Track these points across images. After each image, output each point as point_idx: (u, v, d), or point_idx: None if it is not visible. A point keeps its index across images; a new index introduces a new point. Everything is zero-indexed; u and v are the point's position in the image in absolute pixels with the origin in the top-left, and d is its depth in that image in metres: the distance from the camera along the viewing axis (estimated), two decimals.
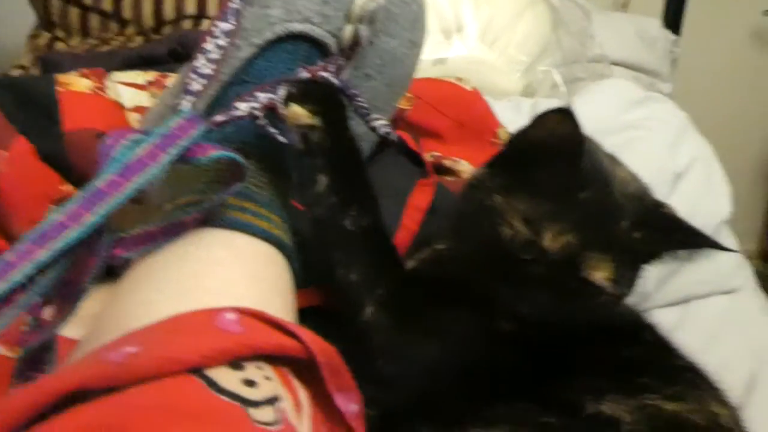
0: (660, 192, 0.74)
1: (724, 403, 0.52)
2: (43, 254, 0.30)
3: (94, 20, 1.61)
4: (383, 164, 0.70)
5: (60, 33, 1.63)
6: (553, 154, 0.49)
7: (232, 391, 0.33)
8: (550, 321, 0.49)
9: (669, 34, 1.68)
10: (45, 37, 1.62)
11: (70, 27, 1.62)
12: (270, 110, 0.45)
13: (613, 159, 0.56)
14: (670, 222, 0.53)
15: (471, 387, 0.51)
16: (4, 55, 1.99)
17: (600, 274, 0.49)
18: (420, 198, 0.66)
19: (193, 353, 0.33)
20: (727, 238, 0.84)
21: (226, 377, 0.34)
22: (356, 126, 0.68)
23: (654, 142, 0.81)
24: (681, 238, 0.52)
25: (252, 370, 0.35)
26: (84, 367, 0.32)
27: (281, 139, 0.46)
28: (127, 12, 1.59)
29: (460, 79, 0.83)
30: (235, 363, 0.35)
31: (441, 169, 0.75)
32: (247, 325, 0.36)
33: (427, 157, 0.74)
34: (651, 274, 0.75)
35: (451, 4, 1.11)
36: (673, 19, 1.88)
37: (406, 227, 0.63)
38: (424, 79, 0.83)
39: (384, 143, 0.72)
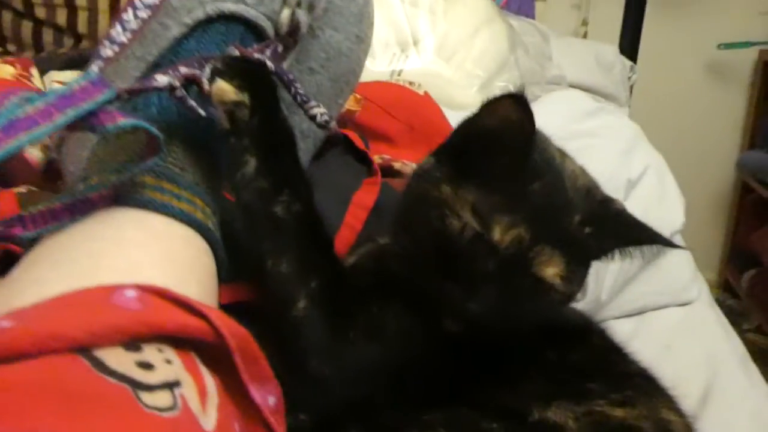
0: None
1: (676, 410, 0.49)
2: None
3: (48, 35, 1.56)
4: (328, 163, 0.68)
5: (12, 47, 1.58)
6: (504, 143, 0.45)
7: (121, 372, 0.29)
8: (497, 321, 0.46)
9: (626, 61, 1.70)
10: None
11: (23, 41, 1.57)
12: (191, 82, 0.42)
13: (563, 153, 0.53)
14: (620, 218, 0.50)
15: (409, 391, 0.48)
16: None
17: (551, 271, 0.46)
18: (365, 197, 0.63)
19: (77, 329, 0.29)
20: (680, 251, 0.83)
21: (118, 358, 0.30)
22: (299, 122, 0.65)
23: (606, 150, 0.80)
24: (632, 234, 0.49)
25: (150, 352, 0.31)
26: None
27: (201, 112, 0.43)
28: (81, 26, 1.55)
29: (411, 83, 0.81)
30: (132, 344, 0.31)
31: (390, 172, 0.72)
32: (148, 302, 0.32)
33: (377, 159, 0.71)
34: (604, 283, 0.74)
35: (408, 17, 1.10)
36: (629, 46, 1.92)
37: (350, 225, 0.60)
38: (374, 82, 0.81)
39: (329, 142, 0.70)
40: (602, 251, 0.50)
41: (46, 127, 0.32)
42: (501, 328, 0.46)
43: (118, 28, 0.44)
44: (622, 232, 0.49)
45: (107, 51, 0.42)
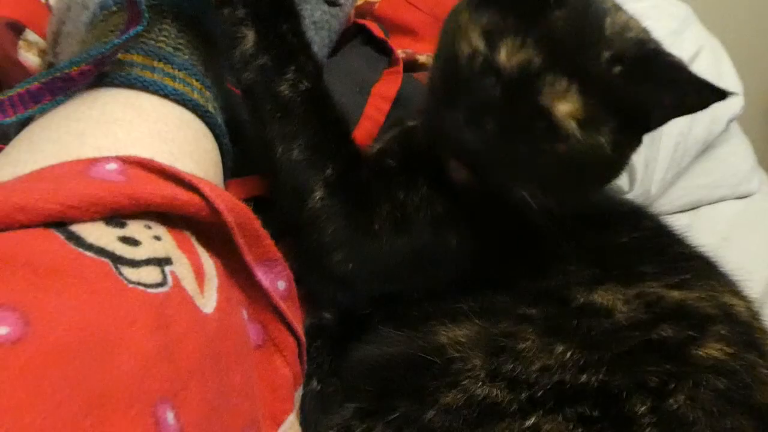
0: None
1: (739, 294, 0.44)
2: None
3: None
4: (346, 55, 0.62)
5: None
6: None
7: (101, 246, 0.25)
8: (499, 160, 0.39)
9: None
10: None
11: None
12: None
13: (617, 6, 0.45)
14: (669, 69, 0.40)
15: (440, 280, 0.44)
16: None
17: (563, 107, 0.38)
18: (386, 87, 0.58)
19: (47, 201, 0.25)
20: (738, 138, 0.76)
21: (97, 233, 0.26)
22: (310, 12, 0.59)
23: (657, 31, 0.71)
24: (678, 88, 0.39)
25: (136, 228, 0.27)
26: None
27: None
28: None
29: None
30: (114, 219, 0.27)
31: (415, 67, 0.66)
32: (132, 174, 0.29)
33: (400, 53, 0.65)
34: (654, 175, 0.68)
35: None
36: None
37: (371, 117, 0.55)
38: None
39: (345, 34, 0.64)
40: (637, 100, 0.40)
41: None
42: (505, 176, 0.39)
43: None
44: (660, 75, 0.40)
45: None
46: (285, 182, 0.42)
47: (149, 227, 0.28)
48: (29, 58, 0.55)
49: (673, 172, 0.68)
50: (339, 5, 0.49)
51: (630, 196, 0.64)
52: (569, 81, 0.37)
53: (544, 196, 0.39)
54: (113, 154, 0.32)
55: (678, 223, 0.67)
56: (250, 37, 0.40)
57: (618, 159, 0.42)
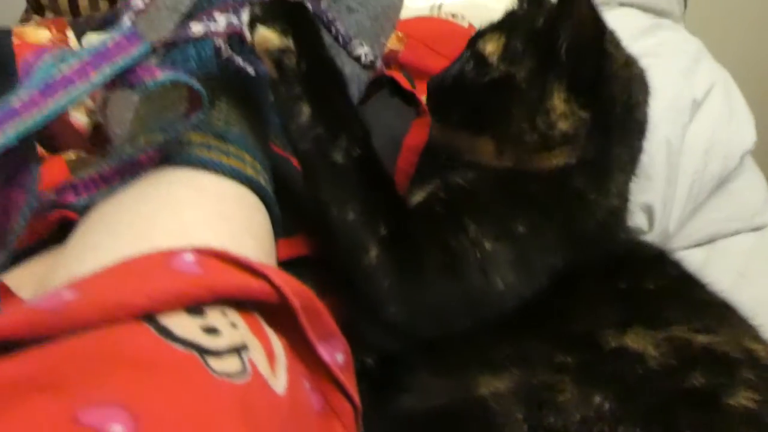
0: (679, 121, 0.69)
1: (758, 339, 0.46)
2: None
3: (83, 0, 1.56)
4: (375, 107, 0.65)
5: (50, 15, 1.59)
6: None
7: (187, 338, 0.28)
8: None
9: None
10: (35, 20, 1.58)
11: (60, 8, 1.57)
12: (233, 36, 0.40)
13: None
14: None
15: (482, 323, 0.46)
16: None
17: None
18: (415, 139, 0.60)
19: (140, 296, 0.28)
20: (751, 171, 0.78)
21: (182, 324, 0.29)
22: (341, 66, 0.62)
23: (668, 70, 0.74)
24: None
25: (214, 316, 0.30)
26: (11, 315, 0.27)
27: (249, 70, 0.41)
28: None
29: (454, 16, 0.77)
30: (195, 308, 0.30)
31: None
32: (208, 265, 0.31)
33: (424, 99, 0.68)
34: (672, 214, 0.70)
35: None
36: None
37: (403, 170, 0.58)
38: (416, 18, 0.77)
39: (374, 84, 0.67)
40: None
41: (83, 87, 0.31)
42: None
43: None
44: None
45: (137, 2, 0.40)
46: (340, 242, 0.45)
47: (225, 314, 0.31)
48: (78, 117, 0.59)
49: (690, 208, 0.71)
50: (374, 68, 0.51)
51: (650, 235, 0.66)
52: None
53: None
54: (181, 236, 0.35)
55: (694, 258, 0.70)
56: (305, 111, 0.43)
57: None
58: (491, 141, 0.49)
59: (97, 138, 0.57)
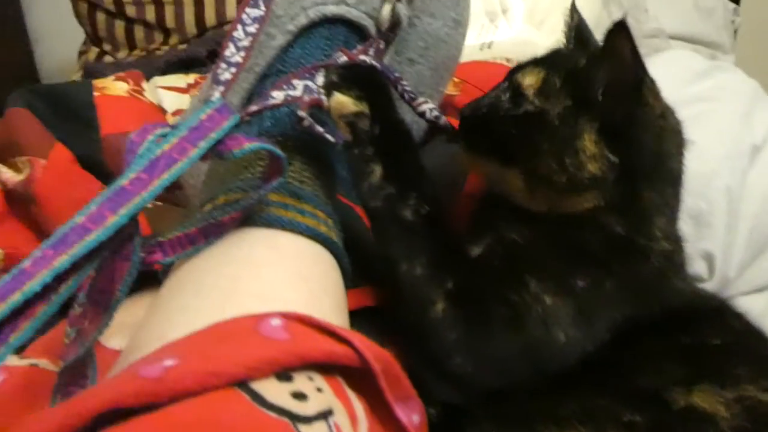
0: (738, 167, 0.69)
1: None
2: (62, 261, 0.28)
3: (139, 32, 1.63)
4: (433, 154, 0.66)
5: (107, 47, 1.67)
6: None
7: (280, 406, 0.30)
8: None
9: (728, 3, 1.58)
10: (94, 51, 1.65)
11: (117, 40, 1.65)
12: (314, 106, 0.42)
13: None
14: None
15: (544, 375, 0.47)
16: (56, 71, 2.05)
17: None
18: (473, 186, 0.62)
19: (236, 365, 0.30)
20: None
21: (274, 390, 0.30)
22: (403, 114, 0.64)
23: (725, 114, 0.74)
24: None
25: (302, 382, 0.32)
26: (119, 384, 0.29)
27: (330, 138, 0.43)
28: (169, 21, 1.60)
29: (509, 60, 0.78)
30: (283, 374, 0.31)
31: None
32: (294, 331, 0.33)
33: None
34: (732, 259, 0.70)
35: None
36: None
37: (460, 216, 0.59)
38: (471, 62, 0.78)
39: (433, 131, 0.68)
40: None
41: (183, 164, 0.33)
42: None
43: (231, 47, 0.44)
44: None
45: (225, 74, 0.42)
46: (408, 295, 0.46)
47: (311, 378, 0.32)
48: None
49: (750, 254, 0.70)
50: (438, 123, 0.53)
51: (709, 283, 0.66)
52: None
53: None
54: (264, 298, 0.37)
55: (755, 304, 0.69)
56: (377, 171, 0.45)
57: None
58: (520, 176, 0.50)
59: (171, 185, 0.60)
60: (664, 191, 0.51)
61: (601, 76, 0.47)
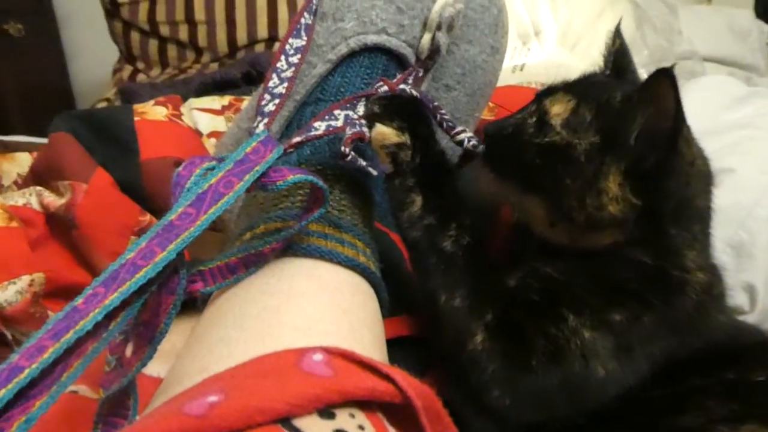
0: None
1: None
2: (113, 299, 0.28)
3: (172, 50, 1.67)
4: (468, 179, 0.66)
5: (141, 65, 1.70)
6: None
7: None
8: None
9: (763, 25, 1.56)
10: (127, 70, 1.69)
11: (150, 59, 1.69)
12: (358, 140, 0.42)
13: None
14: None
15: (583, 409, 0.46)
16: (91, 89, 2.10)
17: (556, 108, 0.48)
18: (508, 214, 0.61)
19: (279, 402, 0.29)
20: None
21: (316, 428, 0.30)
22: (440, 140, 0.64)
23: (766, 141, 0.73)
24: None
25: (344, 419, 0.31)
26: (162, 420, 0.29)
27: (372, 172, 0.43)
28: (202, 40, 1.64)
29: (543, 85, 0.78)
30: (325, 411, 0.31)
31: None
32: (337, 367, 0.33)
33: None
34: None
35: (528, 8, 1.06)
36: (765, 9, 1.75)
37: (498, 247, 0.58)
38: (506, 87, 0.78)
39: (467, 156, 0.68)
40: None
41: (229, 198, 0.33)
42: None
43: (275, 78, 0.44)
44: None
45: (269, 106, 0.43)
46: (446, 327, 0.46)
47: (353, 416, 0.32)
48: None
49: None
50: (476, 152, 0.53)
51: (750, 315, 0.64)
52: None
53: None
54: (306, 331, 0.37)
55: None
56: (417, 201, 0.45)
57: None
58: (541, 205, 0.49)
59: None
60: (691, 228, 0.49)
61: (639, 121, 0.45)
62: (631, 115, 0.45)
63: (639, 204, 0.46)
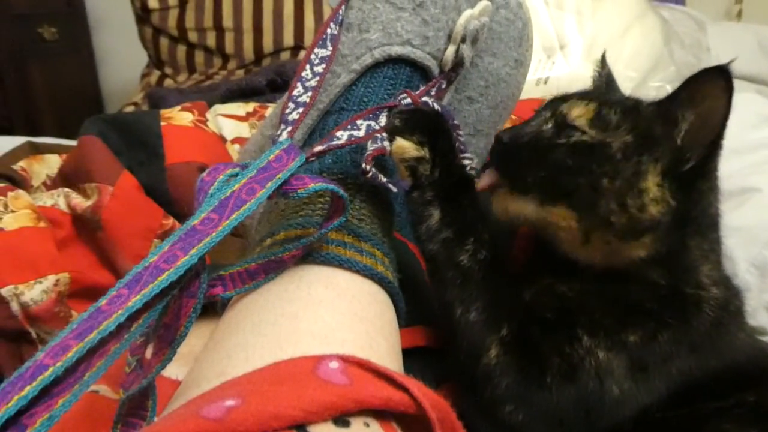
0: None
1: None
2: (135, 300, 0.28)
3: (199, 56, 1.70)
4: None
5: (169, 70, 1.73)
6: None
7: None
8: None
9: None
10: (155, 74, 1.72)
11: (178, 64, 1.72)
12: (379, 156, 0.42)
13: None
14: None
15: (597, 427, 0.46)
16: (120, 93, 2.14)
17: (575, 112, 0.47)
18: (527, 229, 0.61)
19: (294, 408, 0.30)
20: None
21: None
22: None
23: None
24: None
25: (358, 427, 0.32)
26: (179, 423, 0.29)
27: (392, 188, 0.43)
28: (229, 47, 1.66)
29: None
30: (340, 419, 0.31)
31: None
32: (353, 375, 0.33)
33: None
34: None
35: (554, 21, 1.06)
36: None
37: (515, 259, 0.58)
38: (529, 100, 0.78)
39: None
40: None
41: (251, 204, 0.34)
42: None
43: (299, 87, 0.45)
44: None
45: (293, 115, 0.43)
46: (462, 340, 0.46)
47: (367, 425, 0.32)
48: None
49: None
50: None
51: None
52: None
53: None
54: (323, 338, 0.37)
55: None
56: (435, 215, 0.45)
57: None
58: (571, 216, 0.46)
59: None
60: (709, 236, 0.49)
61: (687, 118, 0.43)
62: (679, 112, 0.44)
63: (674, 206, 0.45)
